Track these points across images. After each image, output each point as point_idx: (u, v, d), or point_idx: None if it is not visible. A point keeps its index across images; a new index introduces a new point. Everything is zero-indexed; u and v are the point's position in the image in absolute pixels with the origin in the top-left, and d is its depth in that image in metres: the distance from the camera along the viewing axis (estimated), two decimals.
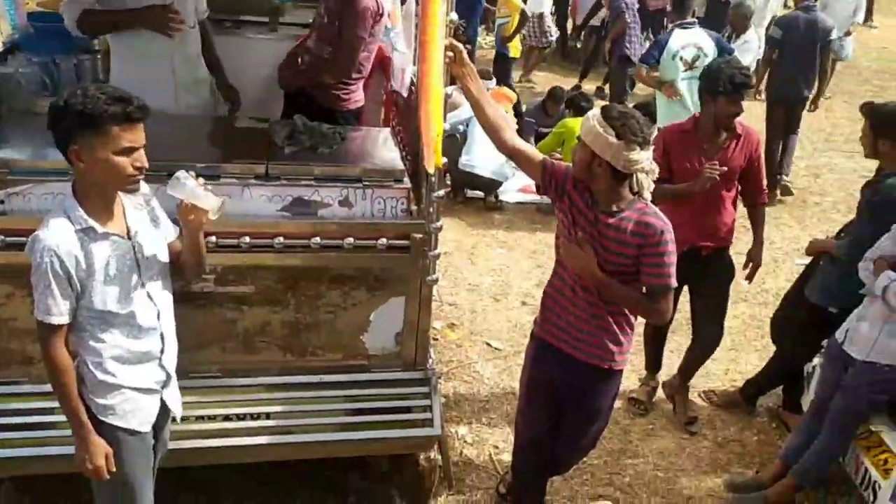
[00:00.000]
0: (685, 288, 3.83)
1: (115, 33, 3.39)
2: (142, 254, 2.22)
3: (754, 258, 3.92)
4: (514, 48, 8.94)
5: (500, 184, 6.47)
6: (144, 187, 2.27)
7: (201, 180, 2.23)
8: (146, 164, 2.11)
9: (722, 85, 3.48)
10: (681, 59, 5.82)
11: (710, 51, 5.84)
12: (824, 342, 3.49)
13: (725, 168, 3.52)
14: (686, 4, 6.18)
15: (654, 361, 4.20)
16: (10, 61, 3.22)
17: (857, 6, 9.18)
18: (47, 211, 2.52)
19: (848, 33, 9.13)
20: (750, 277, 3.98)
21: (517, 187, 6.66)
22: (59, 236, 2.07)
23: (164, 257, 2.32)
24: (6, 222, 2.66)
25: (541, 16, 9.72)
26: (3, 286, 2.74)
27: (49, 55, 3.33)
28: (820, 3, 7.02)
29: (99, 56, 3.57)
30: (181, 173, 2.20)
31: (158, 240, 2.30)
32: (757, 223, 3.89)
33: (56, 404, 2.28)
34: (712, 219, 3.69)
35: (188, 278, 2.53)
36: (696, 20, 6.13)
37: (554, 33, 10.01)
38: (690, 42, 5.83)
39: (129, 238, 2.20)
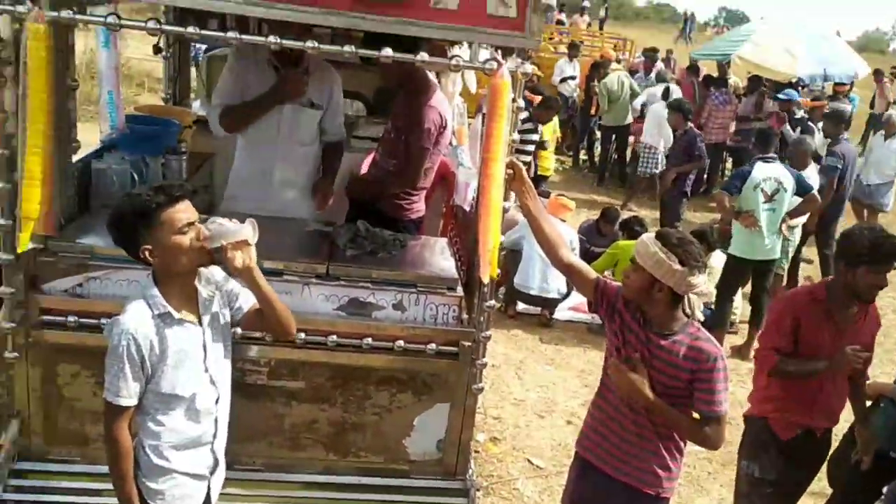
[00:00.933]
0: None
1: (241, 138, 3.71)
2: (210, 340, 2.33)
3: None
4: (544, 167, 9.20)
5: (555, 302, 6.52)
6: (218, 274, 2.41)
7: (221, 218, 2.31)
8: (207, 233, 2.24)
9: (866, 253, 3.10)
10: (762, 190, 6.07)
11: (790, 186, 6.12)
12: (885, 488, 3.35)
13: (868, 354, 3.23)
14: (769, 140, 6.60)
15: None
16: (106, 158, 3.49)
17: None
18: (122, 296, 2.69)
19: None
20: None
21: (569, 305, 6.69)
22: (137, 321, 2.19)
23: (229, 344, 2.43)
24: (83, 304, 2.83)
25: (652, 147, 9.99)
26: (71, 365, 2.88)
27: (140, 154, 3.60)
28: (865, 150, 7.43)
29: (185, 157, 3.84)
30: (205, 226, 2.26)
31: (225, 327, 2.41)
32: (860, 398, 3.49)
33: (107, 486, 2.34)
34: (830, 398, 3.31)
35: (281, 335, 2.53)
36: (776, 155, 6.44)
37: (660, 166, 10.14)
38: (772, 175, 6.09)
39: (201, 324, 2.32)
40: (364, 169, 4.30)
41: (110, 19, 2.57)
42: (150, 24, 2.64)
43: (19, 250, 2.66)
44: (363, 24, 2.62)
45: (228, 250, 2.23)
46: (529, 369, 5.76)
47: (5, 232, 2.70)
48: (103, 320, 2.74)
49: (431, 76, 4.09)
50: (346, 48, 2.68)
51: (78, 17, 2.57)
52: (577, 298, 6.33)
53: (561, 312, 6.69)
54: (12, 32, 2.57)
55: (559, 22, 20.48)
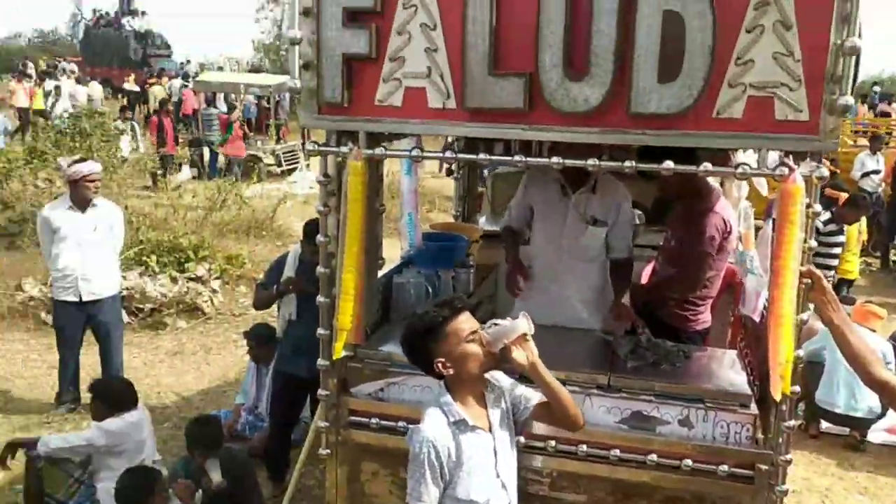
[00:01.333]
0: None
1: (530, 250, 4.00)
2: (499, 445, 2.42)
3: None
4: (847, 269, 8.25)
5: (866, 422, 5.74)
6: (505, 380, 2.52)
7: (496, 319, 2.40)
8: (488, 338, 2.35)
9: None
10: None
11: None
12: None
13: None
14: None
15: None
16: (405, 273, 3.88)
17: None
18: (417, 401, 2.90)
19: None
20: None
21: (885, 426, 5.83)
22: (436, 429, 2.34)
23: (514, 450, 2.49)
24: (383, 408, 3.10)
25: None
26: (371, 464, 3.14)
27: (434, 268, 3.93)
28: None
29: (472, 270, 4.12)
30: (484, 331, 2.36)
31: (511, 432, 2.49)
32: None
33: None
34: None
35: (569, 426, 2.54)
36: None
37: None
38: None
39: (491, 430, 2.42)
40: (644, 278, 4.26)
41: (414, 152, 2.92)
42: (447, 154, 2.95)
43: (334, 357, 3.02)
44: (644, 139, 2.64)
45: (511, 349, 2.34)
46: (838, 499, 5.07)
47: (324, 341, 3.08)
48: (400, 423, 2.98)
49: (713, 181, 3.99)
50: (627, 163, 2.73)
51: (388, 152, 2.95)
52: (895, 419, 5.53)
53: (875, 434, 5.85)
54: (336, 168, 3.01)
55: (884, 114, 18.80)
